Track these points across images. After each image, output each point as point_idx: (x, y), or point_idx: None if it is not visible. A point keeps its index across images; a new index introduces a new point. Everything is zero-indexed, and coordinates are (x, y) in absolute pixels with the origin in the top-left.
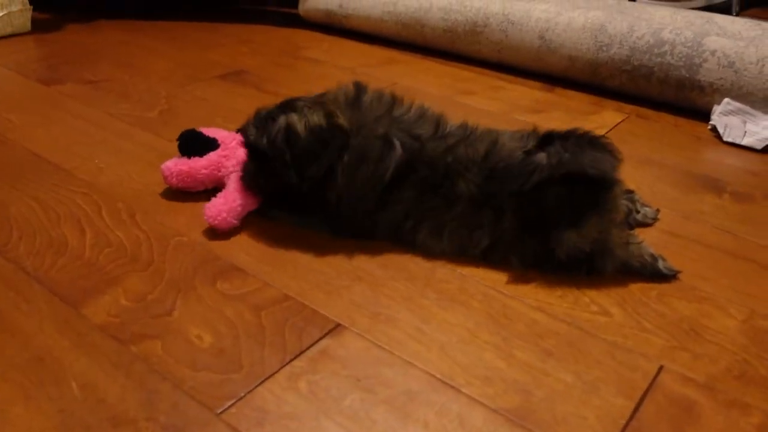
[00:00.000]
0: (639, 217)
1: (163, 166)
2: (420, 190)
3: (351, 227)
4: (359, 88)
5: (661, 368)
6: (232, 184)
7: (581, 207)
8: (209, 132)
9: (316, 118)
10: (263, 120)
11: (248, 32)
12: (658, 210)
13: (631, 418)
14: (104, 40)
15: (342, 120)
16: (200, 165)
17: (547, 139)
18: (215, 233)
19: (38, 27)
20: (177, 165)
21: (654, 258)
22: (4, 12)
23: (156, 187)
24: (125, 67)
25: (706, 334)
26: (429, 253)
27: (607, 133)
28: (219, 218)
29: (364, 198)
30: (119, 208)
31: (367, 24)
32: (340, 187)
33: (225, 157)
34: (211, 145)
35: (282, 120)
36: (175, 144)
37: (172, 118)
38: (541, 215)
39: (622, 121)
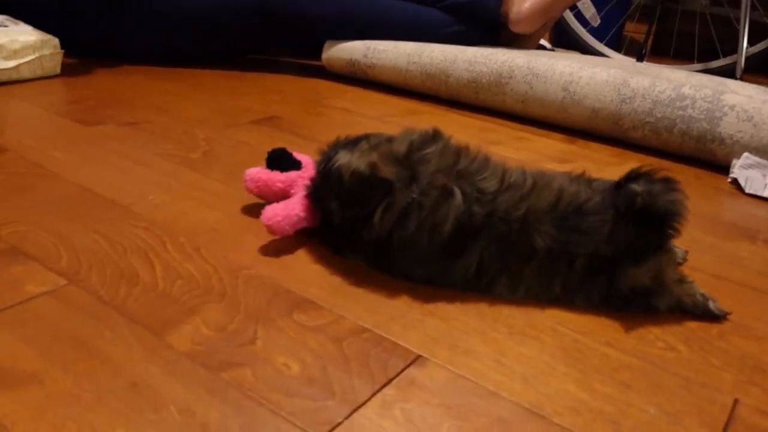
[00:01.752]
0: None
1: (246, 171)
2: (497, 244)
3: (424, 276)
4: (433, 137)
5: (736, 401)
6: (297, 196)
7: (646, 245)
8: (297, 155)
9: (361, 165)
10: (327, 152)
11: (273, 81)
12: (686, 251)
13: None
14: (134, 85)
15: (384, 173)
16: (277, 178)
17: (631, 176)
18: (283, 267)
19: (67, 71)
20: (258, 173)
21: (705, 298)
22: (36, 55)
23: (213, 224)
24: (160, 110)
25: None
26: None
27: None
28: (274, 221)
29: (419, 244)
30: (182, 242)
31: (391, 74)
32: (377, 231)
33: (302, 177)
34: (295, 165)
35: (336, 162)
36: (220, 183)
37: (215, 159)
38: (613, 254)
39: None
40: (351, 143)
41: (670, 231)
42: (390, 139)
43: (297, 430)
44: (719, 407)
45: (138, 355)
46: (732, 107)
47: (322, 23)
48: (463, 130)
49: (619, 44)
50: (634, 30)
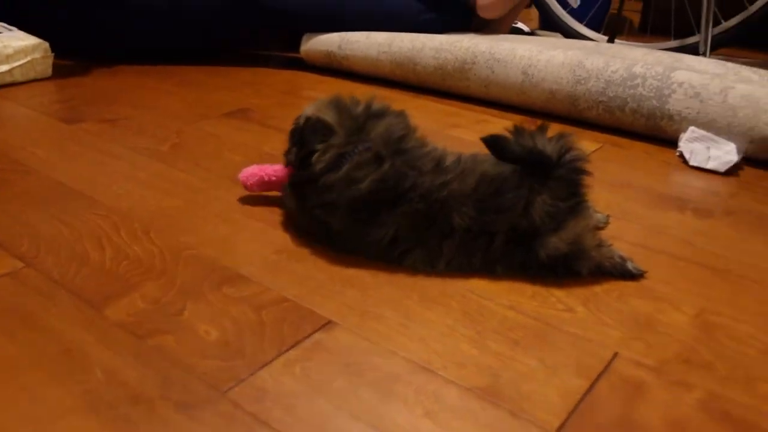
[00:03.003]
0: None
1: (240, 174)
2: (413, 220)
3: (341, 241)
4: (397, 113)
5: (616, 354)
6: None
7: (561, 214)
8: None
9: (314, 112)
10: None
11: (253, 75)
12: (608, 216)
13: (587, 393)
14: (118, 84)
15: (330, 120)
16: (271, 169)
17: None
18: (224, 247)
19: (59, 73)
20: (251, 170)
21: (623, 259)
22: (28, 59)
23: (169, 210)
24: (139, 107)
25: (659, 326)
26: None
27: None
28: (243, 176)
29: (339, 193)
30: (135, 227)
31: (364, 63)
32: (312, 169)
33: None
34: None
35: (304, 110)
36: (184, 173)
37: (182, 151)
38: (531, 226)
39: (597, 150)
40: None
41: (580, 201)
42: (357, 102)
43: (204, 385)
44: (597, 359)
45: (76, 326)
46: (680, 84)
47: (303, 17)
48: (429, 115)
49: (618, 23)
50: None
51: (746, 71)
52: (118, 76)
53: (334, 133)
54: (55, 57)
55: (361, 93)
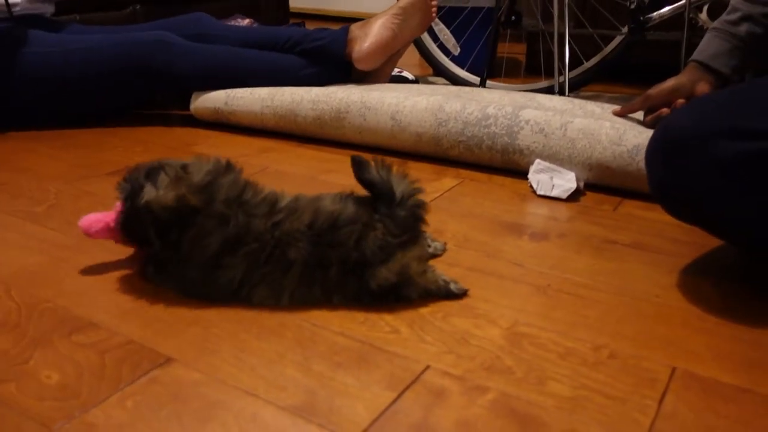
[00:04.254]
0: (431, 250)
1: (79, 222)
2: (251, 260)
3: (194, 290)
4: (229, 166)
5: (427, 367)
6: (114, 210)
7: (391, 247)
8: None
9: (168, 198)
10: (129, 186)
11: (143, 133)
12: (446, 243)
13: (393, 403)
14: (7, 150)
15: (193, 201)
16: (108, 217)
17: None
18: (80, 298)
19: None
20: (88, 218)
21: (446, 282)
22: None
23: (33, 267)
24: (23, 171)
25: (473, 340)
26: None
27: (440, 195)
28: (85, 224)
29: (198, 266)
30: None
31: (249, 117)
32: (184, 254)
33: None
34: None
35: (143, 196)
36: (54, 231)
37: (57, 211)
38: (362, 258)
39: (456, 185)
40: (150, 174)
41: (408, 235)
42: (185, 167)
43: (36, 424)
44: (409, 373)
45: None
46: (527, 121)
47: (195, 78)
48: (306, 162)
49: (492, 67)
50: (509, 51)
51: (591, 105)
52: (6, 143)
53: (200, 213)
54: None
55: (247, 144)
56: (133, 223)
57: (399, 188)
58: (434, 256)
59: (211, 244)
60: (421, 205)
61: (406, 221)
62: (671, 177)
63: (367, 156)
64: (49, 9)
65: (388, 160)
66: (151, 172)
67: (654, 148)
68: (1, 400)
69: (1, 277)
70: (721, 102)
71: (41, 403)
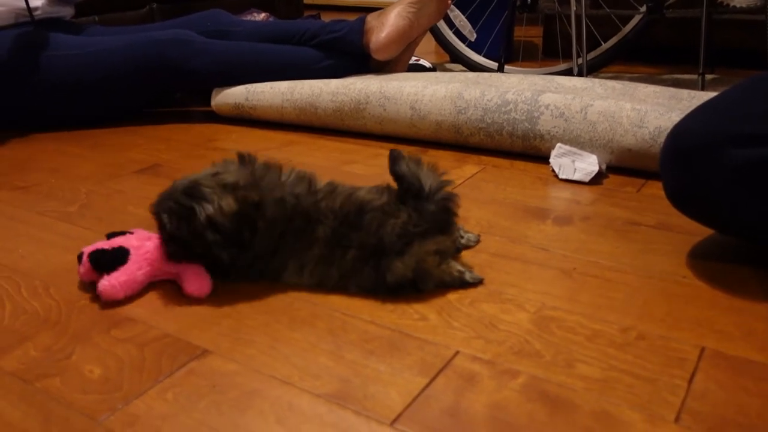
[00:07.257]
0: (464, 241)
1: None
2: (293, 236)
3: (260, 275)
4: (244, 159)
5: (456, 353)
6: (132, 262)
7: (409, 236)
8: (113, 243)
9: (231, 204)
10: (176, 210)
11: (165, 131)
12: (479, 235)
13: (425, 388)
14: (34, 151)
15: (253, 197)
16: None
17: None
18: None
19: None
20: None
21: (461, 272)
22: None
23: (69, 266)
24: (53, 172)
25: (500, 325)
26: (294, 287)
27: (463, 182)
28: (112, 292)
29: (269, 253)
30: (36, 284)
31: (270, 111)
32: (261, 248)
33: (130, 241)
34: (120, 256)
35: (201, 213)
36: (88, 230)
37: (89, 210)
38: (380, 245)
39: (478, 172)
40: (190, 194)
41: (428, 227)
42: (215, 175)
43: (82, 416)
44: (440, 359)
45: None
46: (547, 106)
47: (213, 74)
48: (328, 154)
49: (510, 52)
50: (525, 34)
51: (611, 82)
52: (33, 144)
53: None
54: None
55: (269, 138)
56: (194, 245)
57: (428, 182)
58: (467, 247)
59: (278, 228)
60: (452, 198)
61: (434, 215)
62: (684, 185)
63: (386, 147)
64: (69, 12)
65: (409, 149)
66: (190, 192)
67: (666, 157)
68: (48, 394)
69: (40, 276)
70: (728, 106)
71: (86, 396)
